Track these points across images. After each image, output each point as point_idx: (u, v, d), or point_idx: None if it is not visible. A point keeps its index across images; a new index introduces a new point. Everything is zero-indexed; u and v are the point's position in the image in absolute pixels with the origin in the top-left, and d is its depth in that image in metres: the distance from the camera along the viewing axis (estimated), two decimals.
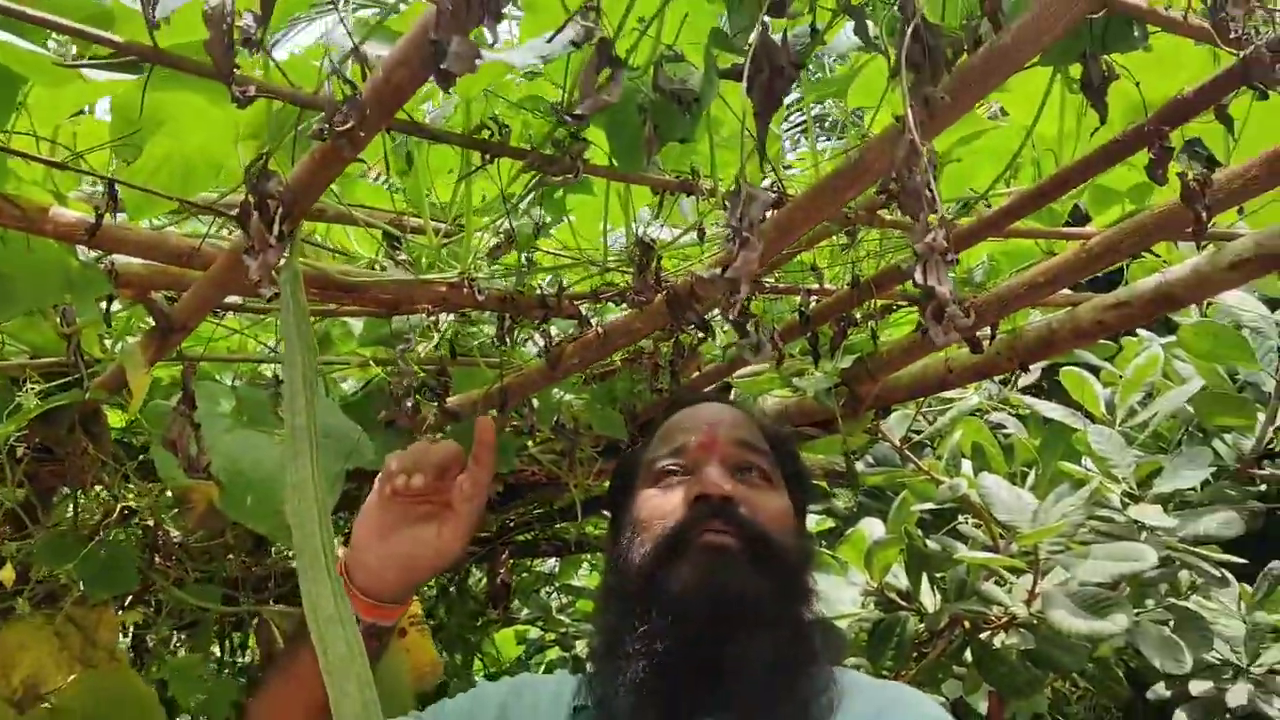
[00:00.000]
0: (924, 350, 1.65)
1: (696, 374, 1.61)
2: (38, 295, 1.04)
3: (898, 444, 2.34)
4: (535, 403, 1.57)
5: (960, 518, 2.52)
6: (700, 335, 1.39)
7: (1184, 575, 2.26)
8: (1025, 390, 2.79)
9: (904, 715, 1.16)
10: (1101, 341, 2.62)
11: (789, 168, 1.75)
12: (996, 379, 2.77)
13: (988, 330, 1.68)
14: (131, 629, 1.78)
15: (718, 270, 0.73)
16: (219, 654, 1.87)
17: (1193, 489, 2.32)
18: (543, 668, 3.54)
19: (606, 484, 1.60)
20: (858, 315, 1.53)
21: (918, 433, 2.67)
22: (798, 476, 1.30)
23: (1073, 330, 1.66)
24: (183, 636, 1.88)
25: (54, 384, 1.32)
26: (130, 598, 1.79)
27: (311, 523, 0.93)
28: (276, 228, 0.87)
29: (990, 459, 2.35)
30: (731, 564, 1.18)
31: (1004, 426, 2.76)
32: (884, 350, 1.70)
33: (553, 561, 3.25)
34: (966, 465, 2.38)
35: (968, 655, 2.41)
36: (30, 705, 1.41)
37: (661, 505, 1.23)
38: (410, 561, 1.13)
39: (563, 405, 1.63)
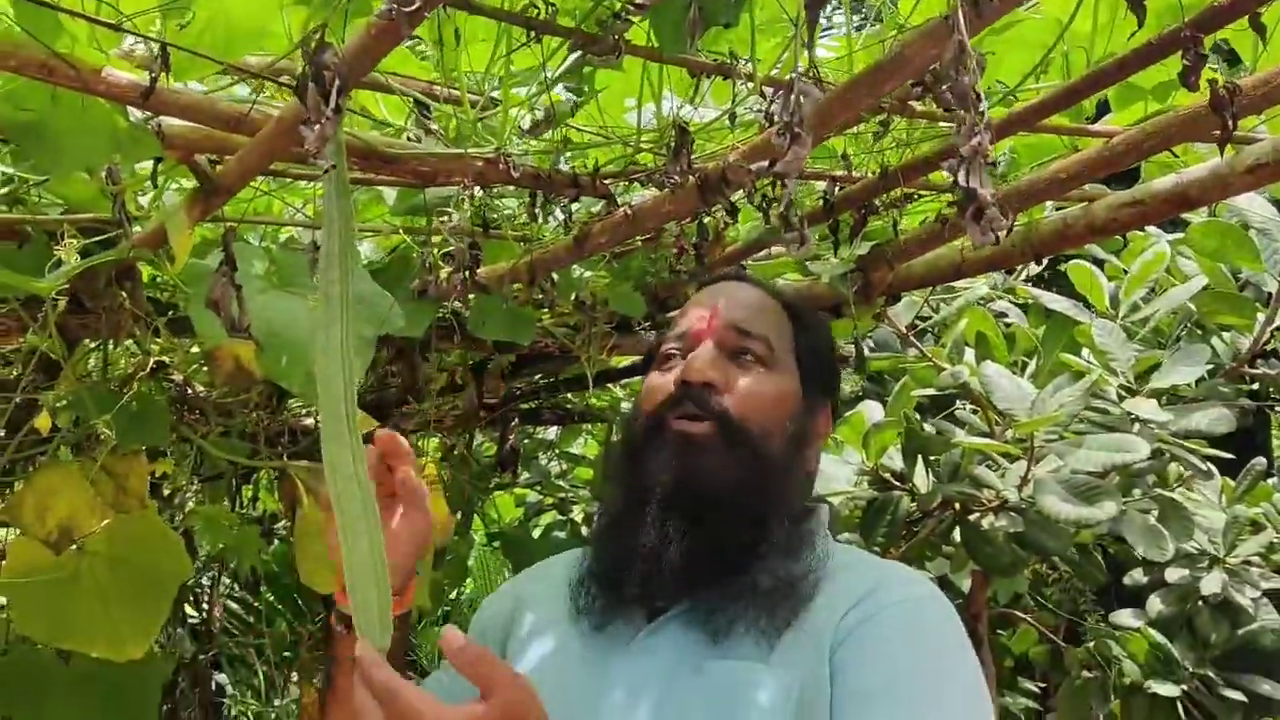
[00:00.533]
0: (941, 239, 1.67)
1: (719, 256, 1.64)
2: (87, 155, 1.06)
3: (903, 330, 2.39)
4: (555, 278, 1.60)
5: (959, 404, 2.58)
6: (727, 220, 1.42)
7: (1172, 468, 2.32)
8: (1030, 281, 2.83)
9: (895, 592, 1.17)
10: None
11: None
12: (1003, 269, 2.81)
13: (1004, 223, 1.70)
14: (159, 476, 1.83)
15: (764, 163, 0.75)
16: (233, 506, 1.93)
17: (1188, 385, 2.38)
18: (539, 530, 3.64)
19: (616, 358, 1.64)
20: (879, 203, 1.55)
21: (923, 319, 2.71)
22: (816, 354, 1.29)
23: (1087, 226, 1.68)
24: (201, 489, 1.94)
25: (92, 240, 1.34)
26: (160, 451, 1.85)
27: (338, 387, 0.96)
28: (333, 100, 0.89)
29: (993, 348, 2.40)
30: (702, 450, 1.20)
31: (1006, 315, 2.80)
32: (902, 239, 1.72)
33: (554, 429, 3.32)
34: (969, 354, 2.43)
35: (956, 535, 2.50)
36: (64, 547, 1.47)
37: (655, 388, 1.26)
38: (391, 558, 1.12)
39: (583, 282, 1.66)
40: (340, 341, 0.96)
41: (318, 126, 0.88)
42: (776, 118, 0.79)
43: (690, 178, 1.17)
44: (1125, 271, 2.49)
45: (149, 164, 1.22)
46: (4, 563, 1.54)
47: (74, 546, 1.54)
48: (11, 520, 1.50)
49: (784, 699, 1.10)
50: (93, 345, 1.66)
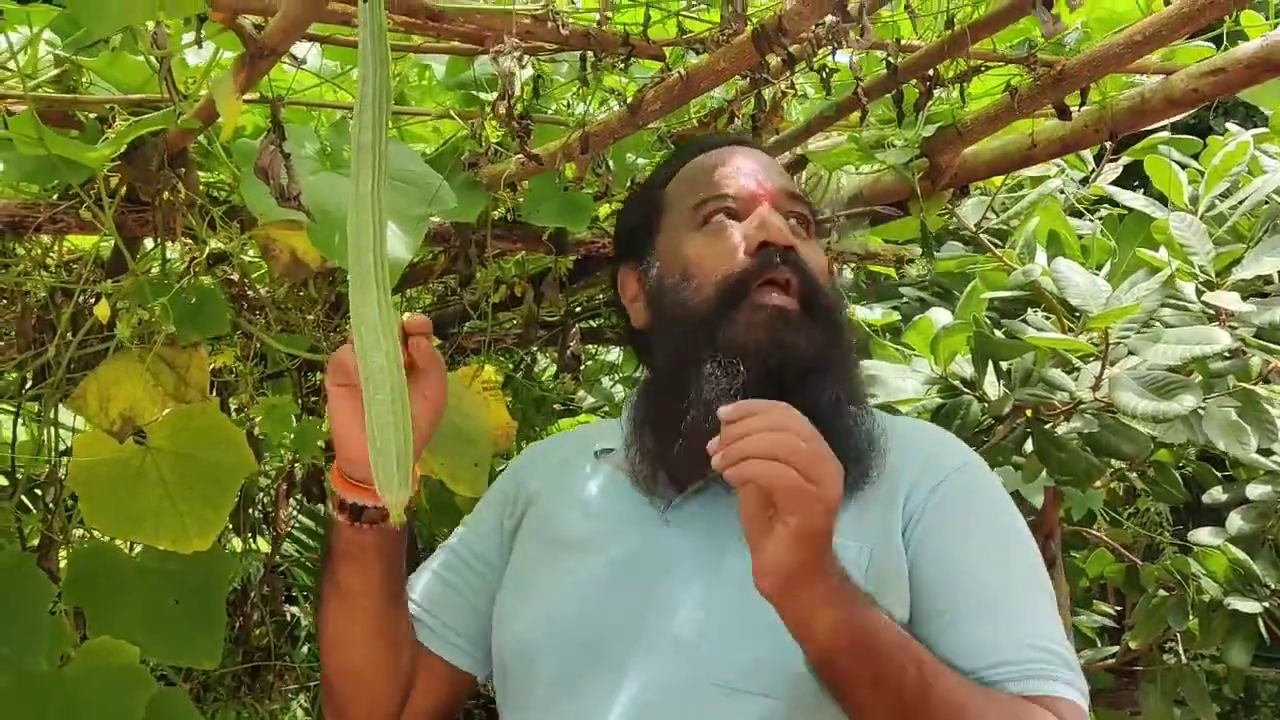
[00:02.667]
0: (1010, 117, 1.61)
1: (774, 137, 1.59)
2: (130, 12, 1.04)
3: (973, 228, 2.32)
4: (611, 163, 1.57)
5: (1030, 309, 2.51)
6: (783, 89, 1.37)
7: (1255, 363, 2.24)
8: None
9: (951, 458, 1.24)
10: (1186, 138, 2.55)
11: None
12: (1076, 177, 2.72)
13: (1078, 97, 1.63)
14: (219, 374, 1.84)
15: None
16: (298, 403, 1.93)
17: (1271, 280, 2.28)
18: None
19: None
20: (946, 75, 1.50)
21: (995, 212, 2.63)
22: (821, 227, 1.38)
23: (1165, 98, 1.61)
24: (265, 386, 1.95)
25: (151, 115, 1.34)
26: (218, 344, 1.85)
27: (368, 237, 0.95)
28: None
29: (1066, 247, 2.32)
30: (795, 323, 1.21)
31: (1080, 230, 2.71)
32: (969, 117, 1.66)
33: (616, 352, 3.30)
34: (1041, 255, 2.35)
35: (1028, 446, 2.43)
36: (126, 436, 1.48)
37: (718, 248, 1.23)
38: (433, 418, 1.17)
39: (638, 168, 1.63)
40: (371, 190, 0.94)
41: None
42: None
43: (745, 27, 1.13)
44: (1203, 174, 2.39)
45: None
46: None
47: (138, 441, 1.55)
48: (77, 410, 1.51)
49: (856, 571, 1.09)
50: (152, 246, 1.67)
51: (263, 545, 2.46)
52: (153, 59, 1.21)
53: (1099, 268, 2.47)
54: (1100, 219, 2.69)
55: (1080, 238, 2.59)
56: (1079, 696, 1.11)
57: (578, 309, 2.71)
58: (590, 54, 1.25)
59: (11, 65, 1.29)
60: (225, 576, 1.70)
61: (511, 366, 3.10)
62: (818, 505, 0.95)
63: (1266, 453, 2.33)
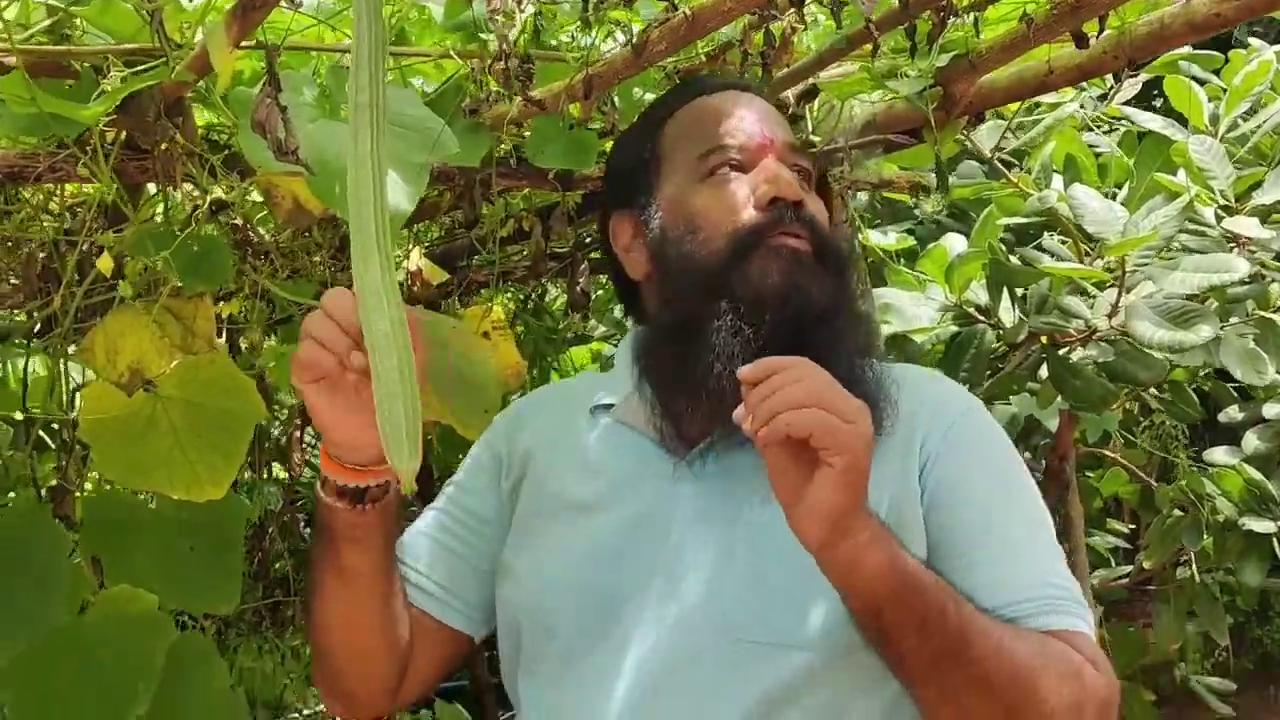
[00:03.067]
0: (1025, 45, 1.56)
1: (786, 70, 1.55)
2: None
3: (989, 155, 2.27)
4: (617, 100, 1.54)
5: (1046, 234, 2.48)
6: (793, 24, 1.33)
7: (1274, 288, 2.21)
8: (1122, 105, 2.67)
9: (957, 403, 1.25)
10: (1208, 53, 2.48)
11: None
12: (1094, 94, 2.66)
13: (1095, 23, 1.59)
14: (226, 321, 1.83)
15: None
16: None
17: None
18: None
19: None
20: (960, 4, 1.45)
21: (1014, 134, 2.58)
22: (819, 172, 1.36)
23: (1186, 23, 1.56)
24: (274, 333, 1.94)
25: (138, 71, 1.31)
26: (226, 294, 1.84)
27: (368, 199, 0.92)
28: None
29: (1083, 171, 2.28)
30: (809, 268, 1.19)
31: (1098, 147, 2.66)
32: (983, 47, 1.62)
33: None
34: (1057, 180, 2.31)
35: (1043, 371, 2.42)
36: (135, 389, 1.47)
37: (726, 201, 1.21)
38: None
39: (646, 104, 1.59)
40: (370, 150, 0.91)
41: None
42: None
43: None
44: (1225, 91, 2.33)
45: None
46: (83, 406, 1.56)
47: (147, 390, 1.55)
48: (85, 362, 1.51)
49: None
50: (154, 192, 1.65)
51: (279, 474, 2.48)
52: (144, 10, 1.17)
53: (1118, 187, 2.43)
54: (1119, 135, 2.64)
55: (1098, 156, 2.54)
56: (1088, 628, 1.13)
57: (587, 240, 2.68)
58: None
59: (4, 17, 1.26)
60: (240, 521, 1.71)
61: (521, 299, 3.09)
62: (858, 442, 0.95)
63: None
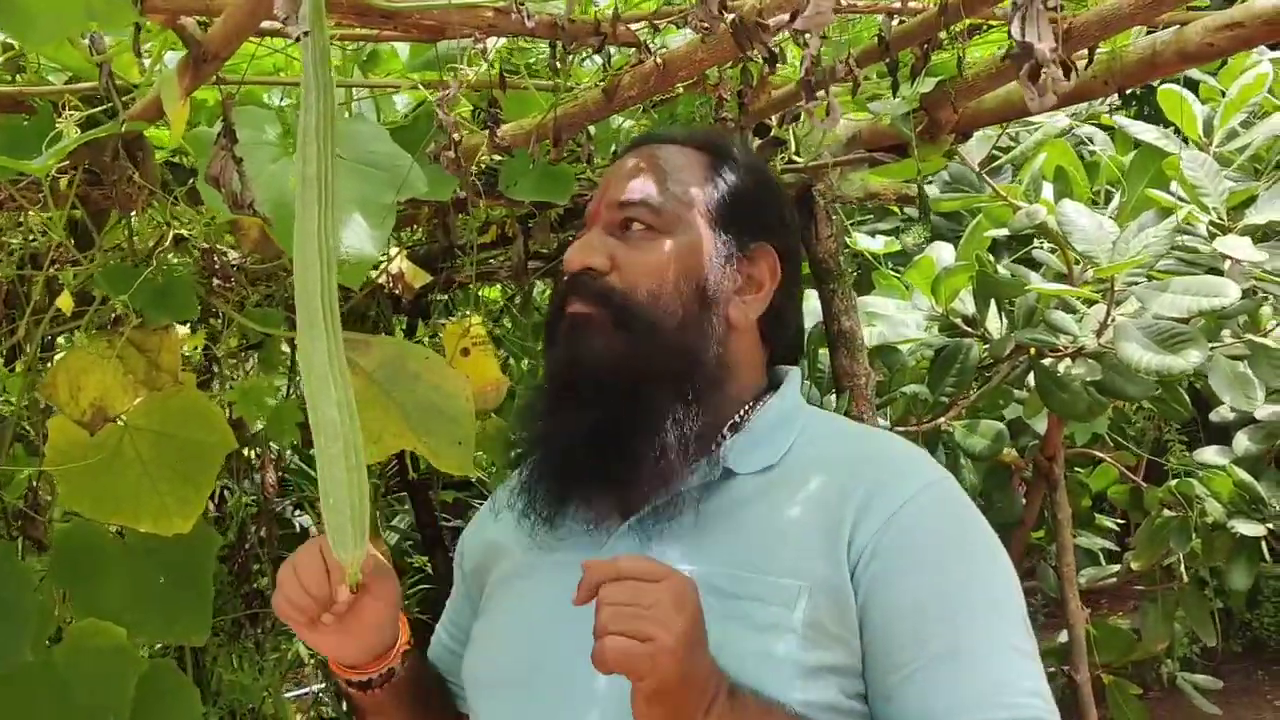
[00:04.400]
0: (1011, 74, 1.53)
1: (765, 102, 1.51)
2: (61, 24, 0.97)
3: (976, 167, 2.24)
4: (592, 130, 1.50)
5: (1036, 242, 2.45)
6: (765, 71, 1.29)
7: (1266, 309, 2.18)
8: (1118, 106, 2.63)
9: (905, 485, 1.07)
10: None
11: None
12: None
13: (1084, 53, 1.55)
14: (201, 350, 1.81)
15: (784, 17, 0.64)
16: (290, 377, 1.90)
17: None
18: None
19: None
20: (942, 37, 1.41)
21: (1002, 150, 2.55)
22: (740, 197, 1.17)
23: (1178, 52, 1.52)
24: (254, 358, 1.91)
25: (95, 110, 1.27)
26: (197, 321, 1.81)
27: (314, 279, 0.89)
28: None
29: (1073, 184, 2.24)
30: (589, 331, 1.14)
31: (1091, 142, 2.62)
32: (969, 74, 1.58)
33: None
34: (1048, 190, 2.28)
35: (1030, 380, 2.40)
36: (98, 427, 1.44)
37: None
38: (375, 632, 1.15)
39: (623, 133, 1.55)
40: (318, 228, 0.88)
41: None
42: None
43: (723, 23, 1.05)
44: (1223, 94, 2.29)
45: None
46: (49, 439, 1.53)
47: (115, 422, 1.52)
48: (48, 398, 1.48)
49: (790, 612, 1.02)
50: (118, 219, 1.61)
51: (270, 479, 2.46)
52: (93, 60, 1.14)
53: (1111, 185, 2.39)
54: (1111, 130, 2.60)
55: (1092, 153, 2.50)
56: None
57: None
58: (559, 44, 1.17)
59: None
60: (211, 551, 1.69)
61: (509, 295, 3.05)
62: (654, 663, 0.89)
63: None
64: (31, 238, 1.51)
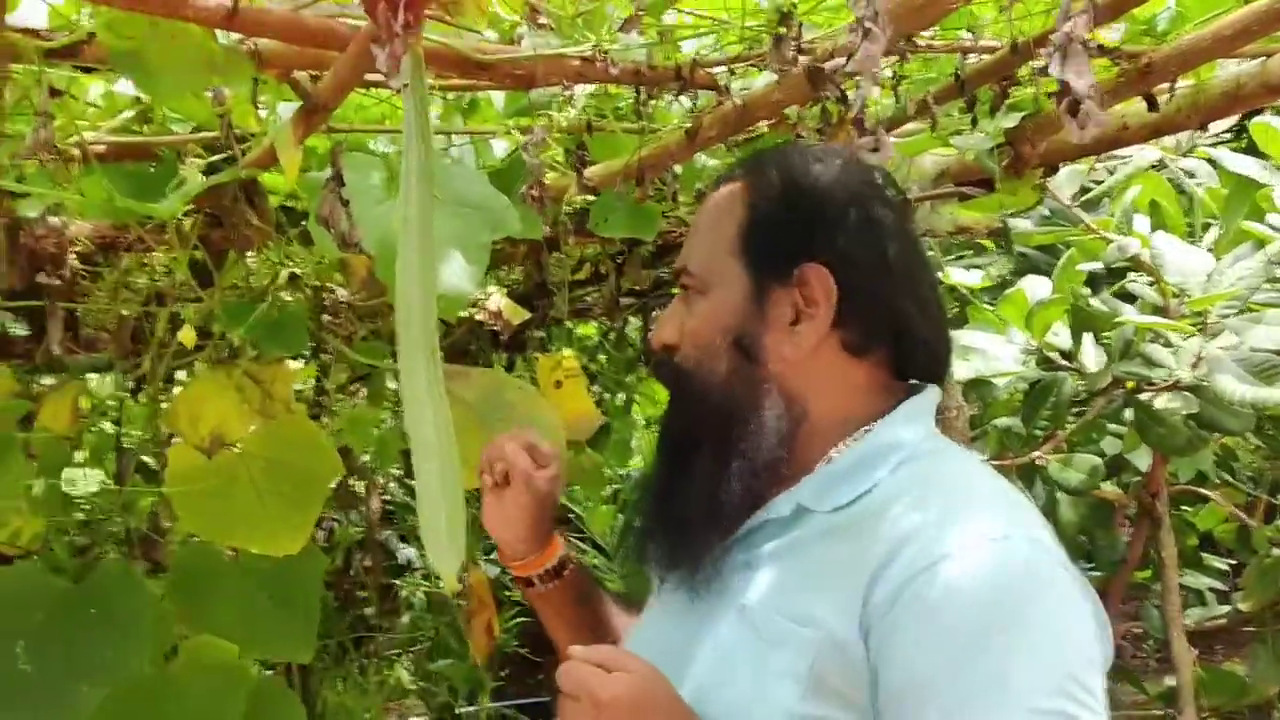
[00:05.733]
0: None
1: (844, 139, 1.55)
2: (186, 80, 1.06)
3: (1067, 202, 2.24)
4: (678, 169, 1.56)
5: (1132, 276, 2.43)
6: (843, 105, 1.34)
7: None
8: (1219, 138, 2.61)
9: (921, 559, 0.96)
10: None
11: None
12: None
13: (1166, 86, 1.56)
14: (311, 383, 1.90)
15: (841, 60, 0.69)
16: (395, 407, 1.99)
17: None
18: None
19: None
20: (1020, 74, 1.44)
21: (1097, 182, 2.54)
22: (769, 224, 1.11)
23: (1262, 84, 1.52)
24: (362, 391, 2.00)
25: (216, 157, 1.37)
26: (309, 356, 1.91)
27: (414, 312, 0.95)
28: (401, 16, 0.86)
29: (1167, 217, 2.23)
30: (668, 411, 1.21)
31: (1195, 175, 2.59)
32: (1050, 109, 1.60)
33: None
34: (1141, 222, 2.27)
35: (1128, 414, 2.37)
36: (215, 452, 1.54)
37: None
38: (539, 512, 1.30)
39: (705, 172, 1.61)
40: (418, 266, 0.95)
41: (387, 46, 0.86)
42: (852, 9, 0.72)
43: (796, 66, 1.10)
44: None
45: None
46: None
47: (230, 449, 1.62)
48: (170, 426, 1.58)
49: (799, 659, 0.99)
50: (236, 258, 1.72)
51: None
52: (215, 111, 1.23)
53: (1211, 218, 2.36)
54: (1215, 162, 2.57)
55: (1196, 185, 2.47)
56: None
57: (664, 278, 2.71)
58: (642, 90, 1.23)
59: (92, 107, 1.33)
60: (318, 573, 1.77)
61: (604, 330, 3.13)
62: None
63: None
64: (156, 277, 1.61)
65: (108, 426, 1.97)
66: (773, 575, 1.07)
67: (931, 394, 1.14)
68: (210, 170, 1.39)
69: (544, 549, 1.34)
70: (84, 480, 2.10)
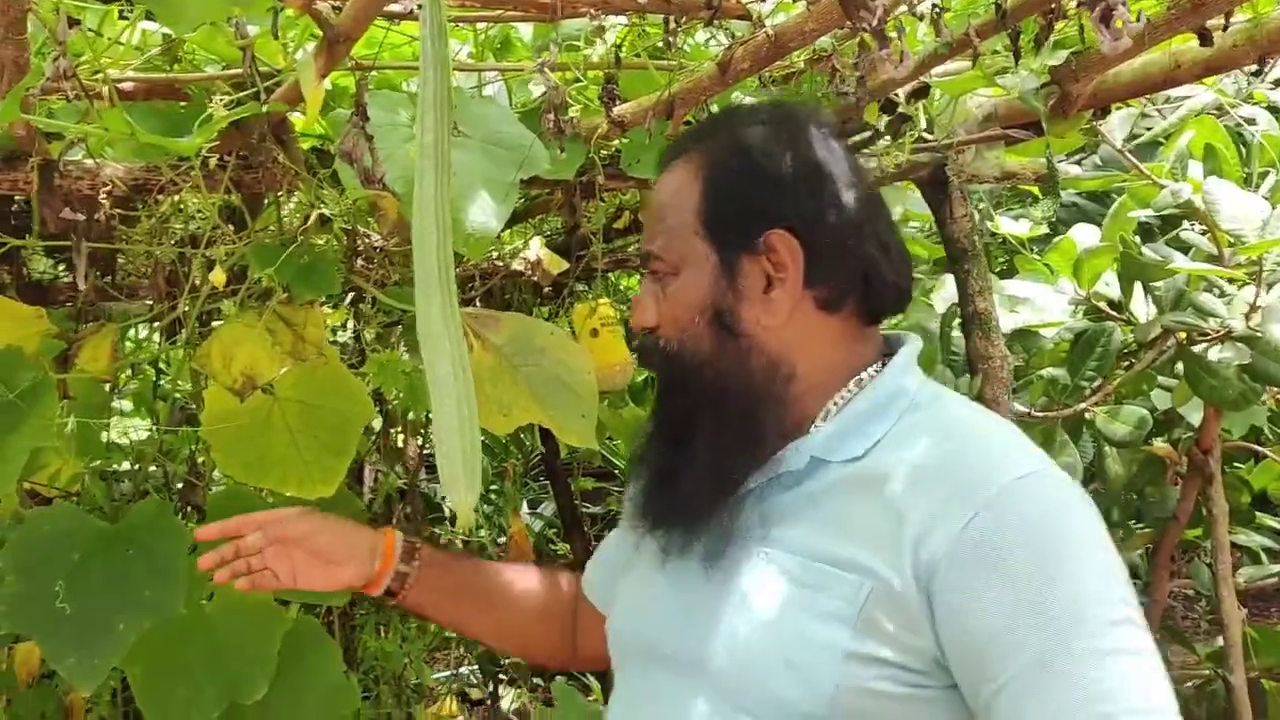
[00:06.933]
0: (1142, 46, 1.49)
1: (886, 77, 1.51)
2: (204, 10, 1.05)
3: (1119, 146, 2.17)
4: (714, 108, 1.53)
5: (1185, 224, 2.36)
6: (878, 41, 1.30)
7: None
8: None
9: (976, 498, 1.01)
10: None
11: None
12: (1246, 69, 2.50)
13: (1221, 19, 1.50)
14: (351, 327, 1.90)
15: None
16: None
17: None
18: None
19: None
20: (1067, 6, 1.39)
21: (1148, 129, 2.47)
22: (728, 196, 1.14)
23: None
24: (402, 340, 2.00)
25: (244, 94, 1.36)
26: (342, 299, 1.91)
27: (431, 242, 0.95)
28: None
29: (1223, 162, 2.16)
30: (659, 389, 1.26)
31: (1255, 122, 2.51)
32: (1095, 45, 1.54)
33: None
34: (1195, 168, 2.20)
35: (1178, 367, 2.31)
36: (248, 394, 1.54)
37: None
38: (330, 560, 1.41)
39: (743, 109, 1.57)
40: (434, 194, 0.93)
41: None
42: None
43: None
44: None
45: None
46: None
47: (263, 392, 1.62)
48: (203, 368, 1.59)
49: (849, 605, 1.03)
50: (271, 202, 1.71)
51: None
52: (237, 44, 1.22)
53: (1270, 166, 2.28)
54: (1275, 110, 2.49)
55: (1255, 133, 2.39)
56: None
57: None
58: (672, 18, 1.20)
59: (120, 44, 1.33)
60: (351, 516, 1.77)
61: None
62: None
63: None
64: (193, 222, 1.61)
65: (150, 371, 1.98)
66: (798, 525, 1.11)
67: (916, 342, 1.21)
68: (234, 108, 1.37)
69: (379, 558, 1.42)
70: (126, 426, 2.13)
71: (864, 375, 1.16)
